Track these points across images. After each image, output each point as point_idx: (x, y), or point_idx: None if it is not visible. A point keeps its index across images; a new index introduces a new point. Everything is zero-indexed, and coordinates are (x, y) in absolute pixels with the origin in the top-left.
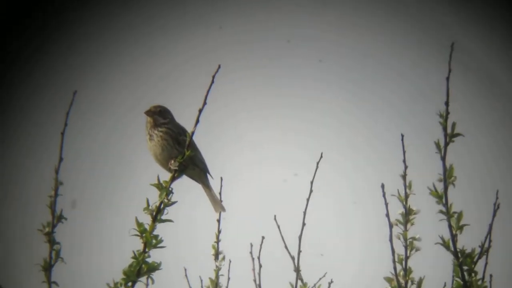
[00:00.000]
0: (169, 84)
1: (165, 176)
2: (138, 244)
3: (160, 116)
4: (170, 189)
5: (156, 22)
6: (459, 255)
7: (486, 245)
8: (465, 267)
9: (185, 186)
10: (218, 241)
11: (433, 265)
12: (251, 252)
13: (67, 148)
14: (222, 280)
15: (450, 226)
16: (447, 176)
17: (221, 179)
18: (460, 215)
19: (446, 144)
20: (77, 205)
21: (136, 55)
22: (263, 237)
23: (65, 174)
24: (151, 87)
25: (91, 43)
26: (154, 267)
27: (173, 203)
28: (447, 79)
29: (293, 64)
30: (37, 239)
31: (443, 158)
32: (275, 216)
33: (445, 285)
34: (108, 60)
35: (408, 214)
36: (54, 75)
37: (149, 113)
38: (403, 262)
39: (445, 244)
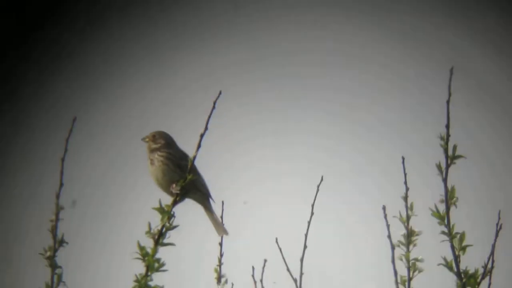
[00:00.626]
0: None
1: (167, 199)
2: (141, 268)
3: (157, 141)
4: (172, 213)
5: (158, 47)
6: (462, 275)
7: (489, 266)
8: None
9: (187, 209)
10: (220, 264)
11: (436, 286)
12: (253, 275)
13: (67, 172)
14: None
15: (452, 247)
16: (449, 197)
17: (223, 202)
18: (462, 235)
19: (448, 166)
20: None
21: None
22: (265, 260)
23: (67, 198)
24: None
25: (91, 67)
26: None
27: (175, 227)
28: (447, 102)
29: (290, 84)
30: (38, 263)
31: (445, 180)
32: (276, 239)
33: None
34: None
35: (410, 235)
36: (54, 100)
37: (146, 139)
38: (406, 284)
39: (448, 265)
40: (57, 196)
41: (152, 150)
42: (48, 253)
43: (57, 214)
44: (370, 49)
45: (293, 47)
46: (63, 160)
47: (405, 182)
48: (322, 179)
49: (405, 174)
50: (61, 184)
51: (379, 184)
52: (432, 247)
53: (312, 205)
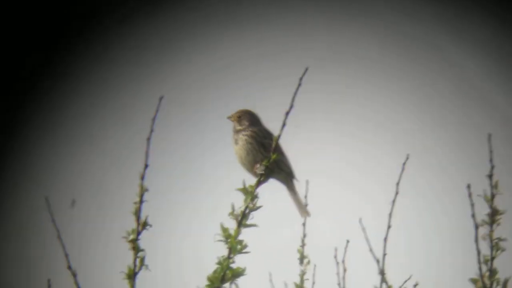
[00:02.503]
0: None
1: (251, 180)
2: (224, 249)
3: (242, 123)
4: (255, 193)
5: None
6: None
7: None
8: None
9: (271, 190)
10: (303, 245)
11: None
12: (335, 256)
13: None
14: (307, 285)
15: None
16: None
17: (307, 182)
18: None
19: None
20: (161, 212)
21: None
22: (347, 241)
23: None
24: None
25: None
26: (239, 273)
27: (259, 207)
28: None
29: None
30: (121, 246)
31: None
32: (360, 219)
33: None
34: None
35: (494, 214)
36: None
37: (231, 118)
38: (489, 263)
39: None
40: (142, 177)
41: (237, 131)
42: (132, 236)
43: (141, 196)
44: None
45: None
46: (149, 140)
47: (491, 160)
48: (407, 157)
49: (491, 152)
50: (146, 165)
51: (464, 162)
52: None
53: (397, 184)
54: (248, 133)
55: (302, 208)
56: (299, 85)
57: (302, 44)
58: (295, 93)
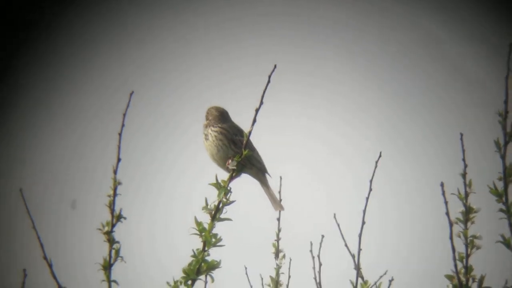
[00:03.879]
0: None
1: (223, 175)
2: (198, 243)
3: (209, 117)
4: (228, 188)
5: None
6: None
7: None
8: None
9: (244, 184)
10: (278, 239)
11: (494, 264)
12: (311, 251)
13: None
14: (283, 278)
15: (510, 225)
16: (507, 175)
17: (280, 178)
18: None
19: (506, 143)
20: (136, 205)
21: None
22: (322, 236)
23: (123, 177)
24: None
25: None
26: (214, 266)
27: (232, 202)
28: (506, 78)
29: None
30: (96, 238)
31: (503, 157)
32: (334, 214)
33: (506, 283)
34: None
35: (468, 212)
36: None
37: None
38: (464, 260)
39: (505, 242)
40: (115, 171)
41: (206, 126)
42: (106, 228)
43: (114, 189)
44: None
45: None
46: (120, 134)
47: (463, 159)
48: (380, 155)
49: (463, 151)
50: (119, 159)
51: (437, 161)
52: (490, 224)
53: (370, 181)
54: (217, 129)
55: (276, 202)
56: (268, 82)
57: (273, 39)
58: (265, 90)
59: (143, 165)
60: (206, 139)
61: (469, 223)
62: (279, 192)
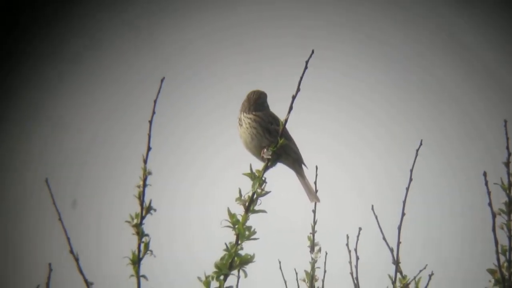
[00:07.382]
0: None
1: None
2: (231, 236)
3: (244, 103)
4: (263, 178)
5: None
6: None
7: None
8: None
9: (277, 174)
10: (313, 232)
11: None
12: (347, 244)
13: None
14: (318, 273)
15: None
16: None
17: (316, 167)
18: None
19: None
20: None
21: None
22: (360, 228)
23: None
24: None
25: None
26: (247, 260)
27: (267, 193)
28: None
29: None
30: (125, 231)
31: None
32: (372, 206)
33: None
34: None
35: (511, 203)
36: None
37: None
38: (507, 253)
39: None
40: (145, 161)
41: (240, 110)
42: (135, 221)
43: (144, 179)
44: None
45: None
46: (150, 122)
47: (507, 147)
48: (421, 143)
49: (507, 139)
50: (149, 148)
51: (479, 150)
52: None
53: (411, 171)
54: (251, 116)
55: (312, 193)
56: (306, 68)
57: (308, 25)
58: (302, 77)
59: (174, 155)
60: (240, 124)
61: None
62: (315, 182)
